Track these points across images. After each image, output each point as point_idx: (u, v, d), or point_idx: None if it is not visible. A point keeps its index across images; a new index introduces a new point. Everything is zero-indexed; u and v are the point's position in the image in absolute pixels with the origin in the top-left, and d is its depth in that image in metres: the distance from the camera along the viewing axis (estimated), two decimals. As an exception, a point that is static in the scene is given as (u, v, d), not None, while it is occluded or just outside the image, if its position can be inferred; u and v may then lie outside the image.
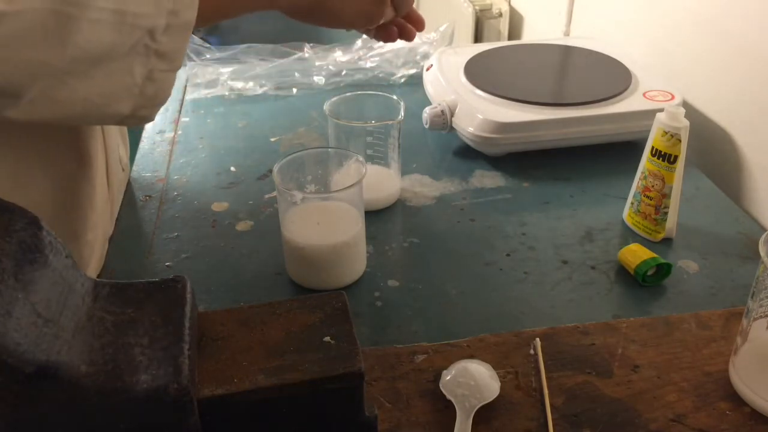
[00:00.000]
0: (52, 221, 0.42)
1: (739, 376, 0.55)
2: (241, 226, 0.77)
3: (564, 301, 0.66)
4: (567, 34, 1.30)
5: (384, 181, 0.79)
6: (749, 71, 0.83)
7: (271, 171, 0.69)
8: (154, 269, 0.70)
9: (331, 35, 1.16)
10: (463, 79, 0.94)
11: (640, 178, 0.73)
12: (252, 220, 0.77)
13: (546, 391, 0.55)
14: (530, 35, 1.48)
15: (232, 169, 0.88)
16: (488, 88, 0.90)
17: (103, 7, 0.44)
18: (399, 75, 1.10)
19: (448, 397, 0.53)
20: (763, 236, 0.51)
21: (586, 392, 0.55)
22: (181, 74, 1.12)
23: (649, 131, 0.71)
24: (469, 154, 0.89)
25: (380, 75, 1.10)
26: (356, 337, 0.44)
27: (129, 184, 0.84)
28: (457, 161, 0.89)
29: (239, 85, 1.08)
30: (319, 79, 1.09)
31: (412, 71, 1.11)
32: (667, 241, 0.74)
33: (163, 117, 1.01)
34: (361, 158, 0.67)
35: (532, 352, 0.59)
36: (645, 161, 0.72)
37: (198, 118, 1.01)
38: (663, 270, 0.68)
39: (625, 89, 0.91)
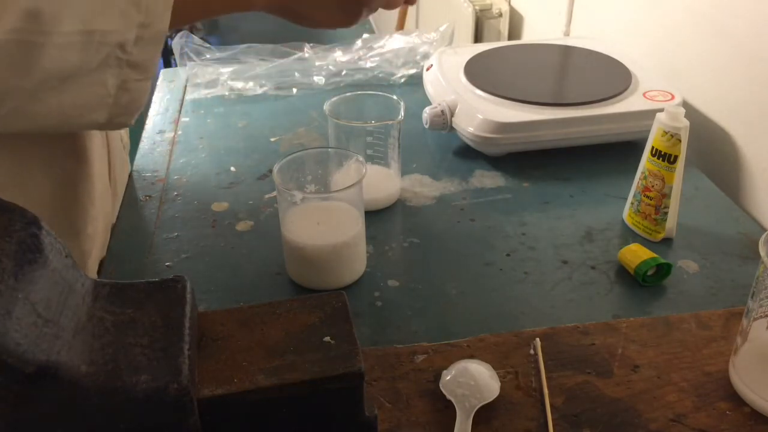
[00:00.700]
0: (52, 218, 0.42)
1: (739, 376, 0.55)
2: (241, 226, 0.77)
3: (564, 301, 0.66)
4: (567, 34, 1.30)
5: (384, 181, 0.79)
6: (749, 71, 0.83)
7: (271, 171, 0.69)
8: (154, 269, 0.70)
9: (331, 35, 1.16)
10: (463, 79, 0.94)
11: (640, 178, 0.73)
12: (252, 220, 0.77)
13: (546, 391, 0.55)
14: (530, 35, 1.48)
15: (232, 169, 0.88)
16: (488, 88, 0.90)
17: (69, 30, 0.44)
18: (399, 75, 1.10)
19: (448, 397, 0.53)
20: (763, 236, 0.51)
21: (586, 392, 0.55)
22: (181, 74, 1.12)
23: (649, 131, 0.71)
24: (469, 154, 0.89)
25: (380, 75, 1.10)
26: (356, 337, 0.44)
27: (129, 184, 0.85)
28: (457, 161, 0.89)
29: (239, 85, 1.08)
30: (319, 79, 1.09)
31: (412, 71, 1.11)
32: (667, 241, 0.74)
33: (163, 117, 1.01)
34: (361, 158, 0.67)
35: (532, 352, 0.59)
36: (645, 161, 0.72)
37: (198, 118, 1.01)
38: (663, 270, 0.68)
39: (625, 89, 0.91)
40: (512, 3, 1.54)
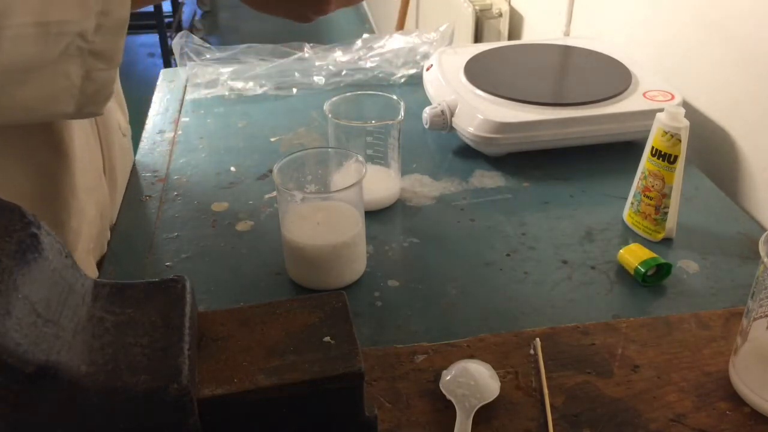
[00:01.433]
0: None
1: (739, 376, 0.55)
2: (241, 226, 0.77)
3: (564, 301, 0.66)
4: (567, 34, 1.30)
5: (384, 181, 0.79)
6: (749, 71, 0.83)
7: (271, 171, 0.69)
8: (154, 269, 0.70)
9: (331, 35, 1.16)
10: (463, 79, 0.94)
11: (640, 178, 0.73)
12: (252, 220, 0.78)
13: (546, 391, 0.55)
14: (530, 35, 1.48)
15: (232, 169, 0.88)
16: (488, 88, 0.90)
17: (22, 22, 0.44)
18: (399, 75, 1.10)
19: (448, 397, 0.53)
20: (763, 236, 0.51)
21: (586, 392, 0.55)
22: (181, 74, 1.12)
23: (649, 131, 0.71)
24: (469, 154, 0.89)
25: (380, 75, 1.10)
26: (356, 337, 0.44)
27: (129, 183, 0.85)
28: (457, 161, 0.89)
29: (239, 85, 1.08)
30: (319, 79, 1.09)
31: (412, 71, 1.11)
32: (667, 241, 0.74)
33: (163, 117, 1.01)
34: (361, 158, 0.67)
35: (532, 352, 0.59)
36: (645, 161, 0.72)
37: (198, 118, 1.01)
38: (663, 270, 0.68)
39: (625, 89, 0.91)
40: (512, 3, 1.54)
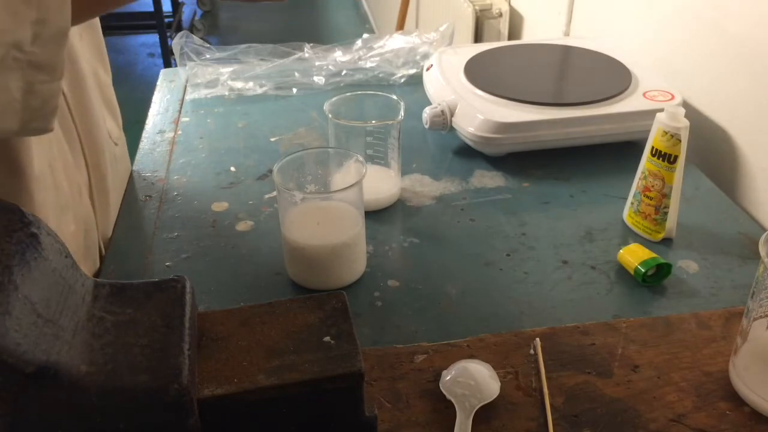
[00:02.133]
0: None
1: (739, 376, 0.55)
2: (241, 226, 0.77)
3: (564, 301, 0.66)
4: (567, 34, 1.30)
5: (384, 181, 0.79)
6: (749, 71, 0.83)
7: (271, 171, 0.69)
8: (154, 269, 0.70)
9: (331, 35, 1.16)
10: (463, 79, 0.94)
11: (640, 178, 0.73)
12: (252, 220, 0.78)
13: (546, 391, 0.55)
14: (530, 35, 1.48)
15: (232, 169, 0.88)
16: (488, 88, 0.90)
17: None
18: (399, 75, 1.10)
19: (448, 397, 0.53)
20: (763, 236, 0.51)
21: (586, 392, 0.55)
22: (181, 74, 1.12)
23: (649, 131, 0.71)
24: (469, 154, 0.89)
25: (380, 75, 1.10)
26: (356, 337, 0.44)
27: (130, 184, 0.84)
28: (457, 161, 0.89)
29: (239, 85, 1.08)
30: (319, 79, 1.09)
31: (412, 71, 1.11)
32: (667, 241, 0.74)
33: (163, 117, 1.01)
34: (361, 158, 0.67)
35: (532, 352, 0.59)
36: (645, 161, 0.72)
37: (198, 118, 1.01)
38: (663, 270, 0.68)
39: (625, 89, 0.91)
40: (512, 3, 1.54)
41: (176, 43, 1.12)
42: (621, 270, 0.69)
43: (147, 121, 1.00)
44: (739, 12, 0.84)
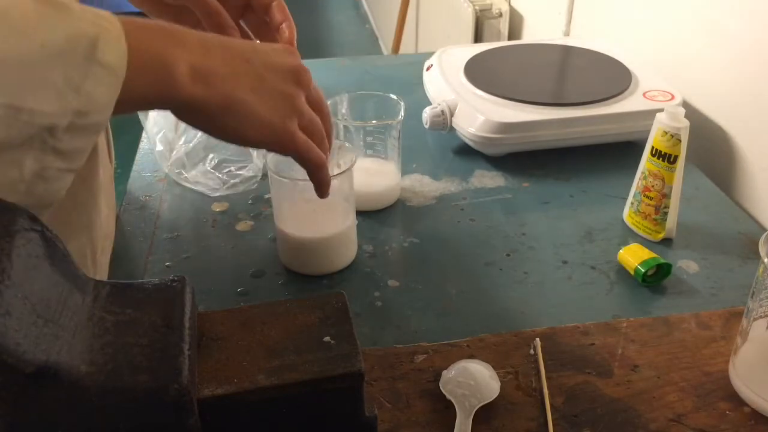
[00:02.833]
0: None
1: (739, 376, 0.55)
2: (241, 226, 0.77)
3: (564, 301, 0.66)
4: (567, 34, 1.30)
5: (384, 181, 0.79)
6: (749, 71, 0.83)
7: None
8: (154, 269, 0.70)
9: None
10: (463, 79, 0.94)
11: (640, 178, 0.73)
12: (252, 220, 0.77)
13: (546, 391, 0.55)
14: (530, 35, 1.48)
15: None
16: (488, 88, 0.90)
17: None
18: None
19: (448, 397, 0.53)
20: (763, 236, 0.51)
21: (586, 392, 0.55)
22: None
23: (649, 131, 0.71)
24: (469, 154, 0.89)
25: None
26: (356, 337, 0.44)
27: (130, 183, 0.84)
28: (457, 161, 0.89)
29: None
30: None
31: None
32: (667, 241, 0.74)
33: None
34: (349, 145, 0.68)
35: (532, 352, 0.59)
36: (645, 161, 0.72)
37: (198, 118, 1.01)
38: (663, 270, 0.68)
39: (625, 89, 0.91)
40: (512, 3, 1.54)
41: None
42: (621, 270, 0.69)
43: (147, 121, 1.00)
44: (740, 12, 0.84)
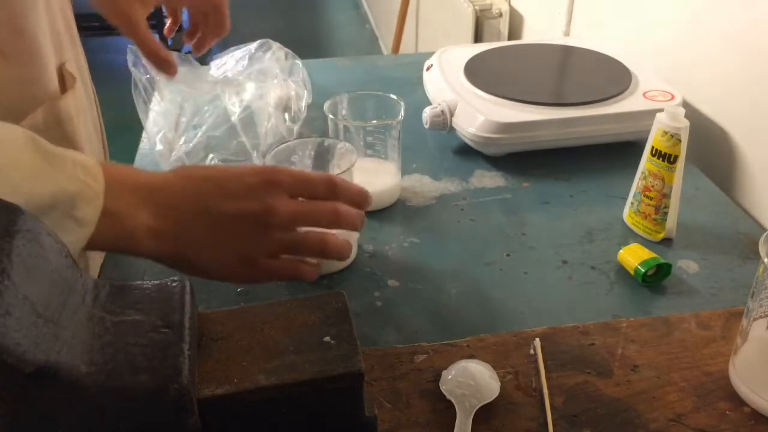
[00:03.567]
0: None
1: (739, 376, 0.55)
2: (241, 226, 0.76)
3: (564, 301, 0.66)
4: (567, 34, 1.30)
5: (384, 181, 0.79)
6: (749, 71, 0.83)
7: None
8: (154, 269, 0.70)
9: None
10: (463, 79, 0.94)
11: (640, 178, 0.73)
12: (252, 220, 0.77)
13: (546, 391, 0.55)
14: (530, 35, 1.48)
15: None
16: (488, 88, 0.90)
17: None
18: None
19: (448, 397, 0.53)
20: (763, 236, 0.51)
21: (586, 392, 0.55)
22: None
23: (649, 131, 0.71)
24: (469, 154, 0.89)
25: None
26: (356, 337, 0.45)
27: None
28: (457, 161, 0.89)
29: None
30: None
31: None
32: (667, 241, 0.74)
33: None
34: (351, 147, 0.67)
35: (532, 352, 0.59)
36: (645, 161, 0.72)
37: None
38: (663, 270, 0.68)
39: (625, 89, 0.91)
40: (512, 3, 1.54)
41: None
42: (621, 270, 0.69)
43: (147, 121, 1.00)
44: (740, 12, 0.84)
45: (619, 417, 0.53)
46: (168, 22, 0.84)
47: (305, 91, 0.96)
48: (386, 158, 0.79)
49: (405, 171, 0.84)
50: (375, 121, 0.77)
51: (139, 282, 0.44)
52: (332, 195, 0.56)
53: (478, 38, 1.57)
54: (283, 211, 0.53)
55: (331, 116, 0.76)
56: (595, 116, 0.86)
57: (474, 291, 0.67)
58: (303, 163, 0.69)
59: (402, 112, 0.76)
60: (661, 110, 0.71)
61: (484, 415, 0.53)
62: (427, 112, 0.89)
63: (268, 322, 0.46)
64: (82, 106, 0.71)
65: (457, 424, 0.51)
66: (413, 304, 0.65)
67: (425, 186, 0.84)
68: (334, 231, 0.57)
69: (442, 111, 0.88)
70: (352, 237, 0.69)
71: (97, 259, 0.69)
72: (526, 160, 0.87)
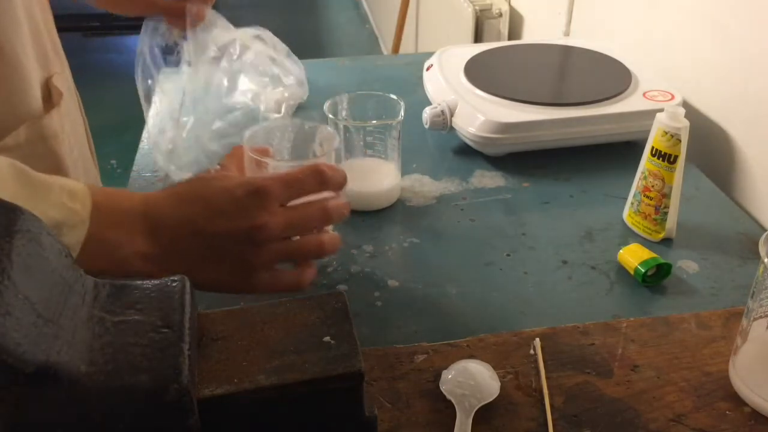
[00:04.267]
0: None
1: (739, 376, 0.55)
2: (241, 226, 0.76)
3: (564, 301, 0.66)
4: (567, 34, 1.30)
5: (384, 181, 0.79)
6: (749, 71, 0.83)
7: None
8: (154, 269, 0.70)
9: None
10: (463, 79, 0.94)
11: (640, 178, 0.73)
12: (252, 220, 0.77)
13: (546, 391, 0.55)
14: (530, 35, 1.48)
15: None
16: (488, 88, 0.90)
17: None
18: None
19: (448, 397, 0.53)
20: (763, 236, 0.51)
21: (586, 392, 0.55)
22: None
23: (649, 131, 0.71)
24: (469, 154, 0.89)
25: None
26: (356, 337, 0.44)
27: (130, 183, 0.84)
28: (457, 161, 0.89)
29: (239, 85, 1.08)
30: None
31: None
32: (667, 241, 0.74)
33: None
34: (332, 130, 0.66)
35: (532, 352, 0.59)
36: (645, 161, 0.72)
37: (198, 118, 1.01)
38: (663, 270, 0.68)
39: (625, 89, 0.91)
40: (512, 3, 1.54)
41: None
42: (621, 270, 0.69)
43: (147, 120, 1.00)
44: (740, 12, 0.84)
45: (619, 417, 0.53)
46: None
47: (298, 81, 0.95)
48: (386, 158, 0.79)
49: (405, 171, 0.84)
50: (375, 121, 0.77)
51: (139, 282, 0.44)
52: (322, 186, 0.56)
53: (478, 38, 1.57)
54: (273, 226, 0.54)
55: (331, 116, 0.76)
56: (595, 116, 0.86)
57: (474, 291, 0.67)
58: (281, 146, 0.67)
59: (402, 112, 0.76)
60: (661, 110, 0.71)
61: (484, 415, 0.53)
62: (427, 112, 0.89)
63: (268, 322, 0.46)
64: (68, 119, 0.71)
65: (457, 424, 0.51)
66: (413, 304, 0.65)
67: (425, 186, 0.84)
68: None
69: (442, 111, 0.88)
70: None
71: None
72: (526, 160, 0.87)
